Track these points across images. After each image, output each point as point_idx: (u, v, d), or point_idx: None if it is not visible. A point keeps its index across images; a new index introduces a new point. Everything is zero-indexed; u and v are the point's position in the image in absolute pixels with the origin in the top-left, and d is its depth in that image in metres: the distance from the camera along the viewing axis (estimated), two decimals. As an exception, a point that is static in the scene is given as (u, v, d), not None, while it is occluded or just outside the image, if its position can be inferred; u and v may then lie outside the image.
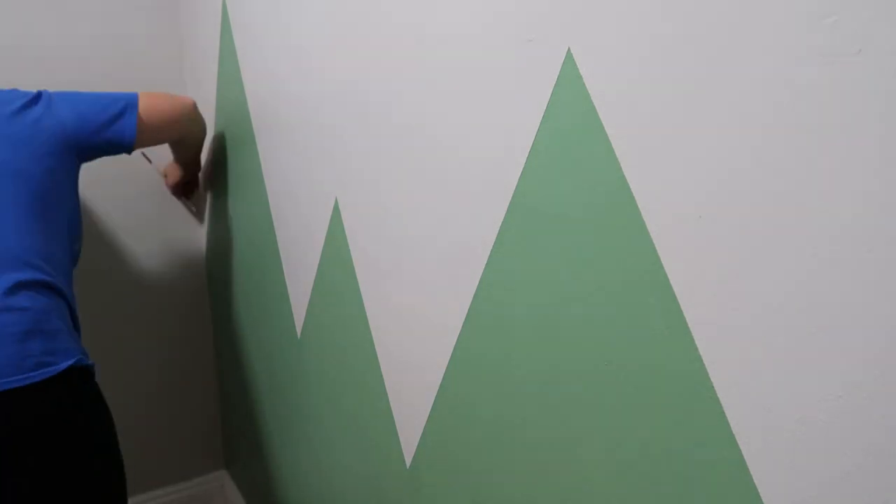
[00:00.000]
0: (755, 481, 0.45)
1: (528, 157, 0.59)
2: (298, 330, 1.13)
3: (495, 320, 0.66)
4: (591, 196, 0.54)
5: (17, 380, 0.82)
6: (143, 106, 1.12)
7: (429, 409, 0.79)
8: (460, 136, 0.67)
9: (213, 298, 1.63)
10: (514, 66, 0.59)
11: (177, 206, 1.56)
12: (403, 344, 0.83)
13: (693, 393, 0.48)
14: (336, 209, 0.94)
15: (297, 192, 1.05)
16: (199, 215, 1.60)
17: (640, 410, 0.52)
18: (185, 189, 1.53)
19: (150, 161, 1.47)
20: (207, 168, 1.48)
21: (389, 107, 0.78)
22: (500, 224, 0.64)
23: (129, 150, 1.13)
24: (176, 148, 1.34)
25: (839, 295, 0.39)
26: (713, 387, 0.46)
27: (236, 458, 1.66)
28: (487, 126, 0.63)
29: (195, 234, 1.61)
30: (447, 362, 0.75)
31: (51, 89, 1.16)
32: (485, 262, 0.66)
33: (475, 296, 0.69)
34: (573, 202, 0.55)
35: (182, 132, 1.24)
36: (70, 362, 0.88)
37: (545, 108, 0.56)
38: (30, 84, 1.27)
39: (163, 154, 1.46)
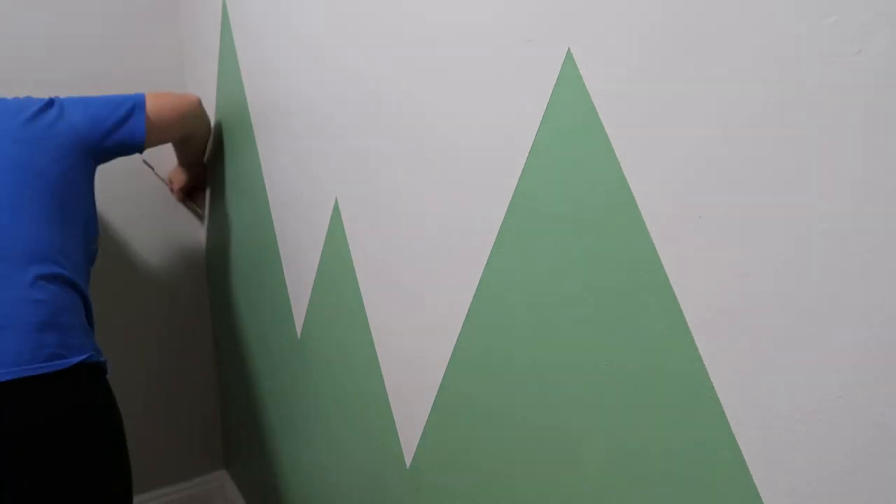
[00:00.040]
0: (755, 481, 0.45)
1: (528, 157, 0.59)
2: (298, 330, 1.13)
3: (495, 320, 0.66)
4: (591, 196, 0.54)
5: (31, 368, 0.84)
6: (151, 105, 1.15)
7: (429, 409, 0.79)
8: (460, 136, 0.67)
9: (213, 299, 1.63)
10: (514, 66, 0.59)
11: (177, 206, 1.56)
12: (403, 344, 0.83)
13: (693, 393, 0.48)
14: (336, 209, 0.94)
15: (297, 191, 1.05)
16: (204, 218, 1.60)
17: (640, 410, 0.52)
18: (191, 193, 1.53)
19: (151, 167, 1.47)
20: (208, 167, 1.48)
21: (389, 107, 0.78)
22: (500, 224, 0.64)
23: (140, 150, 1.17)
24: (181, 147, 1.36)
25: (839, 295, 0.39)
26: (713, 387, 0.46)
27: (236, 458, 1.66)
28: (487, 126, 0.63)
29: (195, 234, 1.61)
30: (447, 362, 0.75)
31: (51, 89, 1.16)
32: (485, 262, 0.66)
33: (475, 295, 0.69)
34: (573, 202, 0.55)
35: (189, 129, 1.27)
36: (81, 358, 0.89)
37: (545, 107, 0.56)
38: (30, 84, 1.27)
39: (165, 159, 1.46)
